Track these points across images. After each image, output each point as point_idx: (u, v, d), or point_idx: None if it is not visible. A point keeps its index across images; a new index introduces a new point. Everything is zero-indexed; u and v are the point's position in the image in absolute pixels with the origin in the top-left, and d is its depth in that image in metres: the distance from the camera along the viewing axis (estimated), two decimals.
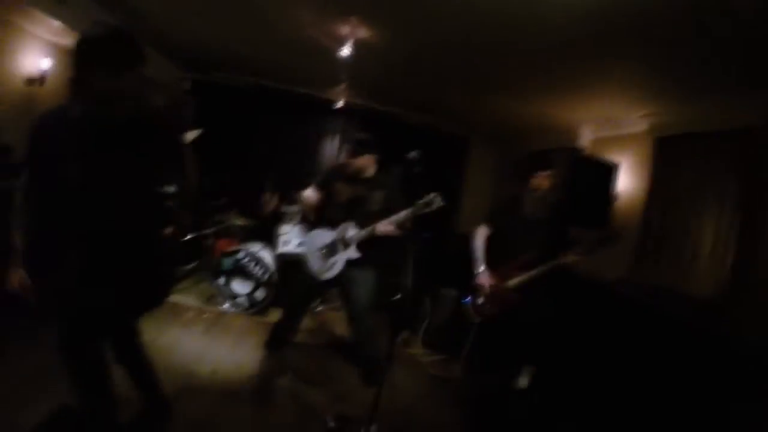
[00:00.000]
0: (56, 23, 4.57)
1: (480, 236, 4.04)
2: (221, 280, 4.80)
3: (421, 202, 3.04)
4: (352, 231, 3.46)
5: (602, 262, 4.81)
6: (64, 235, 1.90)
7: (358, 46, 4.58)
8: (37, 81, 4.77)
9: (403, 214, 3.24)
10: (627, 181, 5.15)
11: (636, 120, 5.09)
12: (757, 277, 3.59)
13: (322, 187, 3.68)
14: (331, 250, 3.53)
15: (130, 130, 1.94)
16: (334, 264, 3.50)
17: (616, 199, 5.03)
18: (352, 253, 3.43)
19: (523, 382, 4.05)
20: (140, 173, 1.98)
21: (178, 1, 4.60)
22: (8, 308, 2.42)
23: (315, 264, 3.61)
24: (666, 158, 4.82)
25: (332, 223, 3.56)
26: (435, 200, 3.04)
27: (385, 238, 3.35)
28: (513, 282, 3.79)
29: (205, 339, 4.00)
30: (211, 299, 4.86)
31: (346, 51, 4.59)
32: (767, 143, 3.74)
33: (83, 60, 1.83)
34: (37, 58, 4.75)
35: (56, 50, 4.89)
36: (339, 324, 4.76)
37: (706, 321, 3.61)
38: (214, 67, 7.01)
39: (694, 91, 4.26)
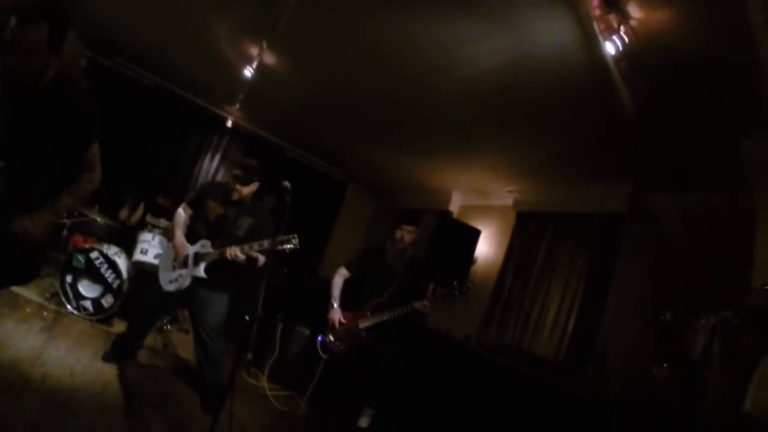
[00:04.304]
0: None
1: (339, 276, 4.20)
2: (69, 278, 4.46)
3: (278, 239, 3.06)
4: (207, 249, 3.44)
5: (453, 319, 5.22)
6: None
7: (262, 70, 4.63)
8: None
9: (256, 245, 3.28)
10: (487, 248, 5.64)
11: (504, 194, 5.63)
12: (596, 344, 4.14)
13: (194, 203, 3.64)
14: (181, 263, 3.47)
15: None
16: (179, 277, 3.45)
17: (475, 262, 5.47)
18: (200, 271, 3.37)
19: (363, 422, 4.17)
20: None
21: None
22: None
23: (162, 273, 3.54)
24: (524, 231, 5.39)
25: (194, 239, 3.52)
26: (292, 241, 3.10)
27: (241, 266, 3.36)
28: (364, 323, 3.96)
29: (41, 339, 3.67)
30: (54, 296, 4.47)
31: (248, 72, 4.61)
32: (616, 231, 4.37)
33: None
34: None
35: None
36: (186, 346, 4.61)
37: (551, 379, 3.99)
38: (116, 53, 6.61)
39: (561, 176, 4.88)
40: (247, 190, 3.50)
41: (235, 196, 3.50)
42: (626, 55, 2.63)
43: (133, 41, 5.93)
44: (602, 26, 2.55)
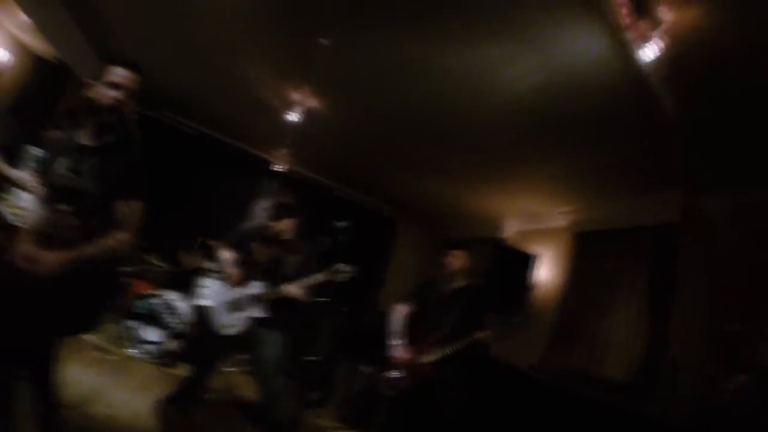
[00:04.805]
0: (25, 18, 4.34)
1: (399, 311, 4.11)
2: (132, 323, 4.57)
3: (331, 269, 3.15)
4: (260, 289, 3.47)
5: (516, 346, 5.03)
6: None
7: (307, 114, 4.76)
8: None
9: (312, 279, 3.33)
10: (547, 273, 5.45)
11: (557, 216, 5.48)
12: (666, 361, 3.88)
13: (237, 246, 3.68)
14: (236, 305, 3.50)
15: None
16: (237, 320, 3.47)
17: (534, 288, 5.30)
18: (258, 311, 3.42)
19: None
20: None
21: (145, 31, 4.68)
22: None
23: (218, 318, 3.56)
24: (582, 252, 5.18)
25: (244, 281, 3.56)
26: (345, 270, 3.16)
27: (298, 304, 3.40)
28: (427, 358, 3.85)
29: (107, 382, 3.77)
30: (118, 341, 4.61)
31: (294, 117, 4.73)
32: (672, 240, 4.15)
33: None
34: None
35: (17, 45, 4.74)
36: (249, 387, 4.59)
37: (622, 402, 3.78)
38: (162, 105, 6.93)
39: (611, 191, 4.70)
40: (290, 225, 3.56)
41: (282, 235, 3.56)
42: (662, 59, 2.55)
43: (176, 92, 6.24)
44: (634, 34, 2.49)
